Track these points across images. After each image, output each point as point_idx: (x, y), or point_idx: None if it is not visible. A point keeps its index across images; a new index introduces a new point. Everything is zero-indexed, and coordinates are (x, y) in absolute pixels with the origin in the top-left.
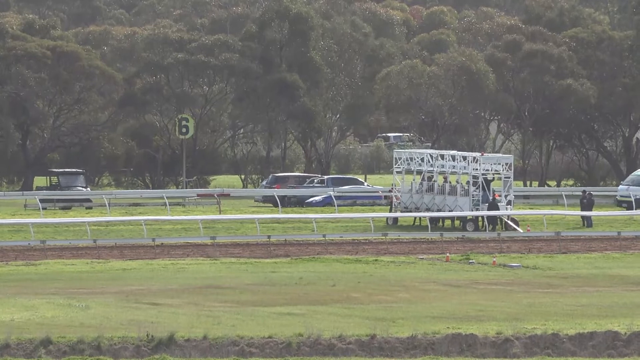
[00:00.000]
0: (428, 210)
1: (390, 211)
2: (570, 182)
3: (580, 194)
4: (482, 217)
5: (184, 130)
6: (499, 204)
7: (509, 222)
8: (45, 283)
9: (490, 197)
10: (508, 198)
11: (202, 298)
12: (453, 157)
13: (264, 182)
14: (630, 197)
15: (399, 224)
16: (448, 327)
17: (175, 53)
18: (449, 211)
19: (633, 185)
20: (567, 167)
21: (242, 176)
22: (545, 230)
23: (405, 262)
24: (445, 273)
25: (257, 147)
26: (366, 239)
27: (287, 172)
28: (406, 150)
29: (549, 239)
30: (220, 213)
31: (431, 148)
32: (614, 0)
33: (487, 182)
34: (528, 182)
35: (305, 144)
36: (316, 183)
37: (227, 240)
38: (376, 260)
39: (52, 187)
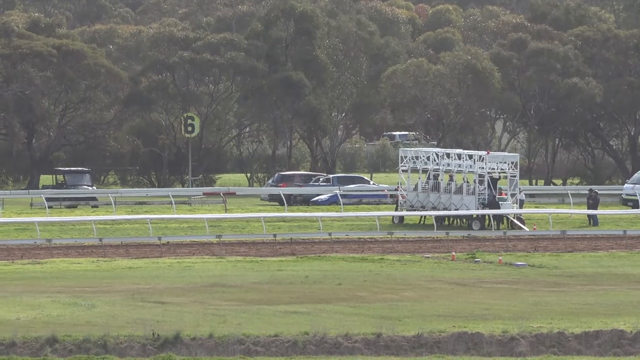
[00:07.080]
0: (434, 208)
1: (396, 210)
2: (576, 180)
3: (587, 192)
4: (489, 215)
5: (189, 128)
6: (505, 202)
7: (515, 220)
8: (51, 282)
9: (496, 196)
10: (517, 197)
11: (208, 296)
12: (459, 156)
13: (270, 181)
14: (635, 195)
15: (404, 222)
16: (454, 326)
17: (180, 51)
18: (455, 210)
19: (639, 184)
20: (573, 166)
21: (248, 175)
22: (551, 229)
23: (411, 261)
24: (451, 272)
25: (263, 145)
26: (372, 238)
27: (293, 170)
28: (412, 148)
29: (555, 238)
30: (226, 212)
31: (437, 147)
32: None
33: (493, 180)
34: (534, 181)
35: (311, 143)
36: (322, 182)
37: (233, 239)
38: (382, 258)
39: (58, 186)
